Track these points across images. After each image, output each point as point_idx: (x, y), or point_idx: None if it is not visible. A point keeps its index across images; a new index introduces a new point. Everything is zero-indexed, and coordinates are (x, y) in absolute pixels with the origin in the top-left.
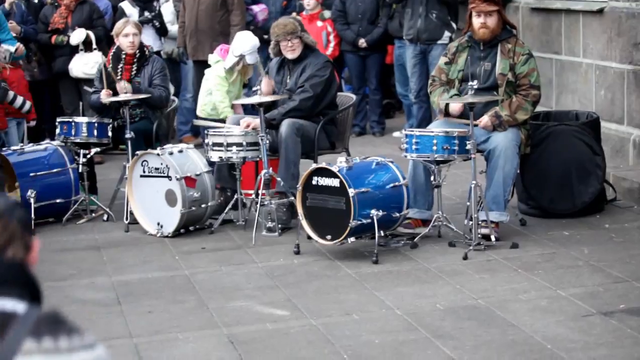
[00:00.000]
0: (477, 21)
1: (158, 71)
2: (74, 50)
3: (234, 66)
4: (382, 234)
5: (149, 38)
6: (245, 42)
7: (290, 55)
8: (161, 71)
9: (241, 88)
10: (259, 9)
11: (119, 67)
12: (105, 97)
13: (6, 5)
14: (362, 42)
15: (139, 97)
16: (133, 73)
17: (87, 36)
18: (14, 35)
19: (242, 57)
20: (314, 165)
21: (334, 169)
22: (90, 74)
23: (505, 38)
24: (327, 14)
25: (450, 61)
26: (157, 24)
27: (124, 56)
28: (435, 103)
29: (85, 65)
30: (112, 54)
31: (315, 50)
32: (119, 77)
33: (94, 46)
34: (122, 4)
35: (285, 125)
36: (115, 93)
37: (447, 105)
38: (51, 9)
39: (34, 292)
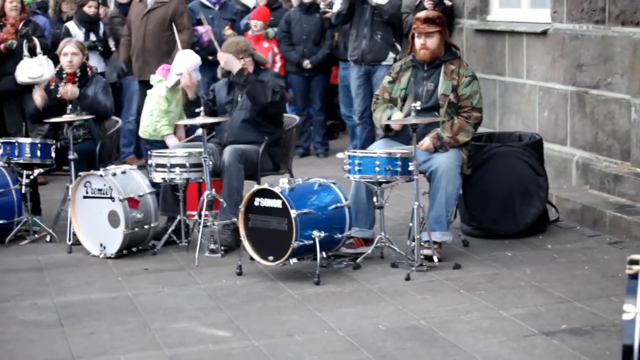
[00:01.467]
0: (417, 42)
1: (101, 89)
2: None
3: (176, 84)
4: (324, 255)
5: (93, 60)
6: (186, 60)
7: (233, 71)
8: (104, 88)
9: (183, 106)
10: (203, 30)
11: (61, 85)
12: (39, 98)
13: None
14: (306, 63)
15: (81, 118)
16: (76, 102)
17: (32, 41)
18: None
19: (182, 75)
20: (256, 187)
21: (276, 189)
22: (34, 77)
23: (449, 59)
24: (271, 32)
25: (394, 80)
26: (100, 48)
27: (64, 75)
28: (377, 119)
29: (29, 69)
30: (55, 72)
31: (267, 69)
32: (64, 82)
33: (38, 50)
34: (67, 24)
35: (227, 153)
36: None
37: (388, 121)
38: None
39: None
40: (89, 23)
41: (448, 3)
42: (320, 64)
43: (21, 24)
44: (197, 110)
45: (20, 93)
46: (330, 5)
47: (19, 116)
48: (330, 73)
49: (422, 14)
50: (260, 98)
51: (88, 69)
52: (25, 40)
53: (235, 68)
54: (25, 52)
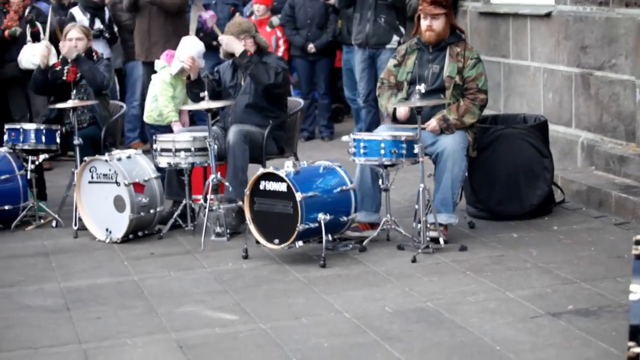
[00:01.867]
0: (423, 23)
1: (103, 66)
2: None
3: (180, 71)
4: (330, 237)
5: (99, 46)
6: (190, 47)
7: (235, 53)
8: (107, 66)
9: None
10: (208, 16)
11: (65, 68)
12: (42, 56)
13: None
14: (311, 47)
15: (86, 103)
16: (78, 76)
17: (36, 27)
18: None
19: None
20: (262, 170)
21: (281, 173)
22: (37, 63)
23: (454, 42)
24: (275, 21)
25: (399, 63)
26: (107, 35)
27: (69, 60)
28: (383, 106)
29: (33, 56)
30: (61, 57)
31: (270, 52)
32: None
33: (42, 37)
34: (72, 10)
35: (232, 133)
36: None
37: (394, 109)
38: (0, 15)
39: None
40: (94, 9)
41: None
42: (325, 47)
43: (27, 10)
44: (201, 94)
45: (24, 79)
46: None
47: (23, 102)
48: (335, 56)
49: None
50: (263, 79)
51: (93, 54)
52: (28, 26)
53: (237, 50)
54: (29, 38)
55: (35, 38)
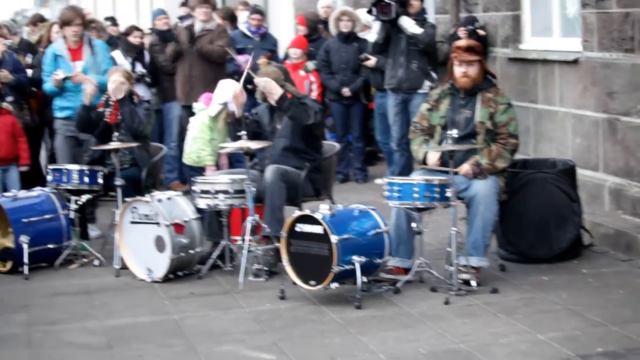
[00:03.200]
0: (458, 70)
1: (143, 110)
2: None
3: (218, 114)
4: (365, 279)
5: (140, 89)
6: (228, 90)
7: (274, 97)
8: (146, 109)
9: (226, 135)
10: (243, 60)
11: (107, 110)
12: (88, 94)
13: None
14: (345, 91)
15: (127, 145)
16: (119, 118)
17: None
18: (6, 82)
19: (225, 104)
20: (298, 213)
21: (317, 216)
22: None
23: (486, 87)
24: (310, 65)
25: (432, 107)
26: (148, 79)
27: (111, 102)
28: (414, 151)
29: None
30: (104, 98)
31: (304, 95)
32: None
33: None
34: (113, 53)
35: (270, 171)
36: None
37: (425, 156)
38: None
39: None
40: (135, 53)
41: (482, 33)
42: (359, 91)
43: None
44: (238, 133)
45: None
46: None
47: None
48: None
49: (463, 43)
50: (304, 119)
51: (134, 97)
52: None
53: (277, 92)
54: None
55: None
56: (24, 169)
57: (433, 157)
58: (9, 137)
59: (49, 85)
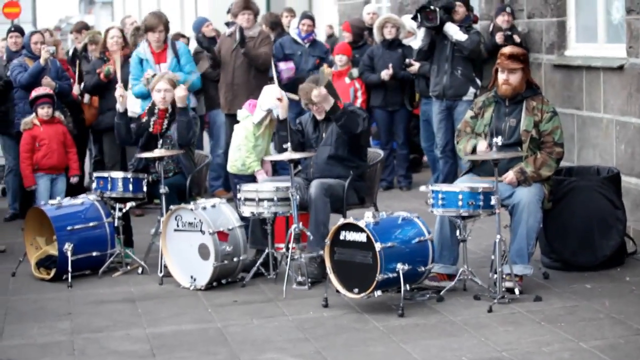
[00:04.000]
0: (500, 77)
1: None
2: None
3: (262, 120)
4: (408, 287)
5: None
6: (272, 96)
7: (318, 117)
8: (194, 118)
9: (270, 142)
10: (285, 67)
11: (152, 120)
12: (119, 102)
13: (41, 61)
14: (385, 73)
15: (172, 153)
16: (164, 127)
17: None
18: (49, 91)
19: (269, 111)
20: (342, 221)
21: (361, 224)
22: (136, 112)
23: (531, 95)
24: (355, 72)
25: (476, 115)
26: None
27: (156, 111)
28: (461, 150)
29: (133, 104)
30: (148, 107)
31: (348, 103)
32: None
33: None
34: None
35: (314, 187)
36: (152, 142)
37: (474, 147)
38: (100, 62)
39: None
40: None
41: (517, 39)
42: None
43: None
44: (284, 145)
45: None
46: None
47: (117, 150)
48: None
49: (507, 50)
50: (355, 128)
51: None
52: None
53: (329, 103)
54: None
55: None
56: (74, 180)
57: (482, 145)
58: (61, 146)
59: (137, 88)
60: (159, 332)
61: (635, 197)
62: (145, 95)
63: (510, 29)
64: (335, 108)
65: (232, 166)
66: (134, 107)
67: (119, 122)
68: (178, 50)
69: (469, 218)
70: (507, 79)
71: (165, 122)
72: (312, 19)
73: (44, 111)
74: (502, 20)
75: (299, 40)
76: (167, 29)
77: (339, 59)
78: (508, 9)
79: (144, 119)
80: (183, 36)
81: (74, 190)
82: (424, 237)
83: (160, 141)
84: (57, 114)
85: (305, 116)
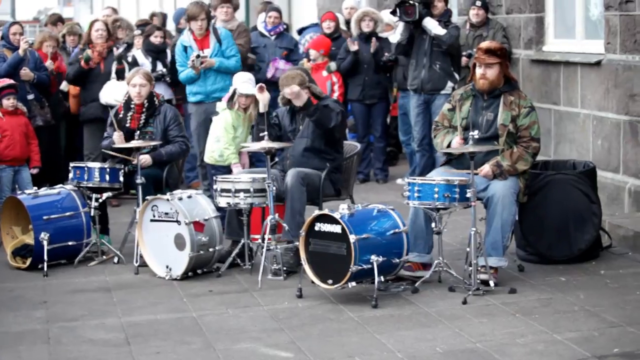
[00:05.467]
0: (478, 71)
1: (173, 121)
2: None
3: (231, 99)
4: (382, 279)
5: (160, 88)
6: (238, 77)
7: (298, 103)
8: (175, 121)
9: (248, 134)
10: (285, 67)
11: (128, 115)
12: (118, 139)
13: (20, 52)
14: (350, 42)
15: (149, 144)
16: (141, 122)
17: (122, 64)
18: (27, 79)
19: (235, 90)
20: (317, 212)
21: (336, 215)
22: (120, 100)
23: (508, 90)
24: (333, 66)
25: (454, 108)
26: (168, 79)
27: (133, 105)
28: (438, 144)
29: (116, 92)
30: (123, 102)
31: (326, 96)
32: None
33: (126, 74)
34: (134, 53)
35: (290, 175)
36: (129, 137)
37: (450, 142)
38: (80, 52)
39: None
40: (156, 52)
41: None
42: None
43: (120, 49)
44: (261, 134)
45: (104, 119)
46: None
47: (97, 142)
48: (390, 102)
49: (484, 45)
50: (328, 123)
51: (155, 99)
52: (115, 63)
53: (303, 99)
54: (113, 75)
55: (120, 76)
56: (34, 171)
57: (456, 142)
58: (23, 137)
59: (184, 74)
60: (134, 321)
61: (611, 192)
62: (192, 80)
63: (484, 24)
64: (308, 104)
65: (210, 157)
66: (115, 95)
67: (107, 146)
68: (220, 35)
69: (445, 210)
70: (484, 73)
71: (143, 117)
72: (278, 11)
73: (9, 102)
74: (472, 14)
75: (264, 32)
76: (209, 17)
77: (311, 54)
78: (478, 3)
79: (121, 114)
80: (159, 29)
81: (54, 180)
82: (399, 229)
83: (138, 132)
84: (20, 105)
85: (281, 109)
